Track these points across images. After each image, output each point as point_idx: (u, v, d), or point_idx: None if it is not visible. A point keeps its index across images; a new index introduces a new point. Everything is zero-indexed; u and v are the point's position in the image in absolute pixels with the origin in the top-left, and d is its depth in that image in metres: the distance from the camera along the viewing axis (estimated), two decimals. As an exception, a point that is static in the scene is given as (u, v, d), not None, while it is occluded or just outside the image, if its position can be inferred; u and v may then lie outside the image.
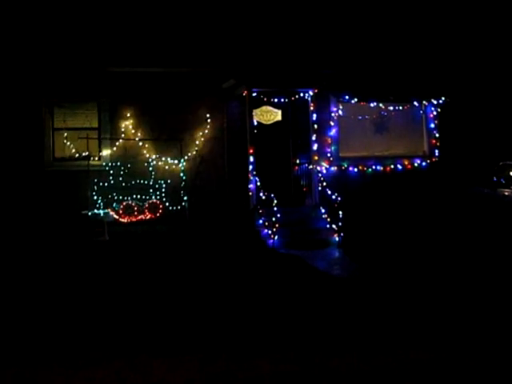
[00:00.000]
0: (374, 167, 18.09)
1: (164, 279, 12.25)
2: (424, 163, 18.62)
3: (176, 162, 17.09)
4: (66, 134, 16.65)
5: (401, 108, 18.38)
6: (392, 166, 18.23)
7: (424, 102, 18.63)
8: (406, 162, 18.44)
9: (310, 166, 17.39)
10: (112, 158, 16.88)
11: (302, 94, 17.52)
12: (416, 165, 18.54)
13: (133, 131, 17.01)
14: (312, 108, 17.45)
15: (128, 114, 16.99)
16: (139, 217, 16.49)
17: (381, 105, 18.25)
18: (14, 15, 16.37)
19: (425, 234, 15.98)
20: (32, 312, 10.10)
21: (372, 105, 18.21)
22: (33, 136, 16.48)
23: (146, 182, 16.95)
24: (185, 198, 16.94)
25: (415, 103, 18.61)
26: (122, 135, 16.96)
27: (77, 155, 16.67)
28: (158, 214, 16.68)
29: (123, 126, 17.01)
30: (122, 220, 16.40)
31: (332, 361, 7.69)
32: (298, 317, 9.65)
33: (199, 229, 16.35)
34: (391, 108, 18.33)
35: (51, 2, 16.53)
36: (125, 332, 9.02)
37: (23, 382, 7.25)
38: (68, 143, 16.67)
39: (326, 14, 17.96)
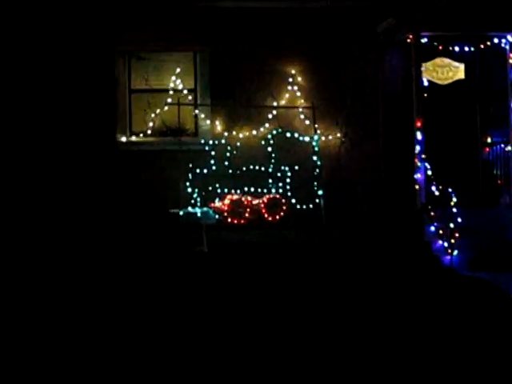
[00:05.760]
0: None
1: (292, 324, 9.08)
2: None
3: (307, 139, 14.17)
4: (148, 98, 14.23)
5: None
6: None
7: None
8: None
9: (508, 148, 14.11)
10: (214, 132, 14.28)
11: (495, 40, 14.11)
12: None
13: (244, 94, 14.30)
14: (512, 61, 14.62)
15: (238, 70, 14.27)
16: (252, 218, 13.90)
17: None
18: None
19: None
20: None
21: None
22: (101, 100, 13.94)
23: (262, 169, 14.27)
24: (319, 192, 14.13)
25: None
26: (230, 100, 14.30)
27: (164, 129, 14.20)
28: (280, 215, 13.94)
29: (231, 87, 14.34)
30: (228, 222, 13.82)
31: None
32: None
33: (340, 237, 13.46)
34: None
35: None
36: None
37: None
38: (151, 111, 14.12)
39: None
